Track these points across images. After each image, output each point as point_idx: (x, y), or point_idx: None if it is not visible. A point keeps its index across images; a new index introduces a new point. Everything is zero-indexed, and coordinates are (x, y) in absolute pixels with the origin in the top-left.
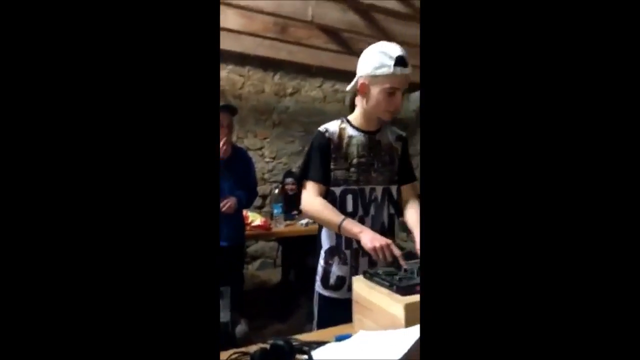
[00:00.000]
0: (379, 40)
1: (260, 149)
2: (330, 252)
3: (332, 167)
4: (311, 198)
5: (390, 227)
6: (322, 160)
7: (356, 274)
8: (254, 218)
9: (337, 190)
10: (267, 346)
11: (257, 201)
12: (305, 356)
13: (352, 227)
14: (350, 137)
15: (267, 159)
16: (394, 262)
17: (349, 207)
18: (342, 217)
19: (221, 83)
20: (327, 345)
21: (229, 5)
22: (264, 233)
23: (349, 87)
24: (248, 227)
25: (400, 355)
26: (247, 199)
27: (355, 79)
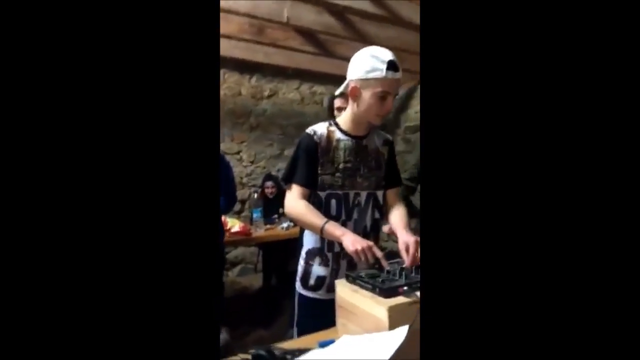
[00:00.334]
0: (354, 42)
1: (238, 152)
2: (312, 253)
3: (319, 171)
4: (295, 200)
5: (374, 231)
6: (309, 163)
7: (337, 276)
8: (233, 224)
9: (323, 195)
10: (249, 357)
11: (236, 206)
12: None
13: (334, 230)
14: (338, 140)
15: (245, 163)
16: (376, 264)
17: (333, 211)
18: (325, 220)
19: None
20: (311, 352)
21: None
22: (243, 239)
23: (338, 91)
24: (227, 234)
25: (387, 358)
26: (227, 205)
27: (345, 83)
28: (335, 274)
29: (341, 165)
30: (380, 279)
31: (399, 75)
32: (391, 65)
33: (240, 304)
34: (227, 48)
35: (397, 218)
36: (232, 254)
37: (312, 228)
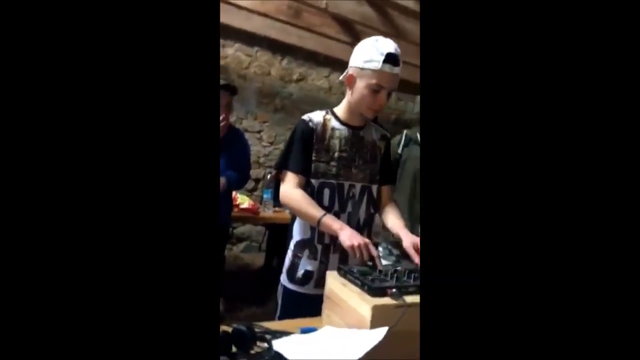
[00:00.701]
0: (391, 36)
1: (259, 132)
2: (301, 245)
3: (313, 158)
4: (290, 189)
5: (367, 225)
6: (304, 151)
7: (325, 270)
8: (243, 200)
9: (315, 183)
10: (230, 330)
11: (250, 184)
12: (266, 344)
13: (332, 223)
14: (334, 129)
15: (264, 143)
16: (372, 262)
17: (326, 201)
18: (323, 212)
19: (227, 61)
20: (291, 336)
21: None
22: (252, 217)
23: (341, 77)
24: (236, 209)
25: (359, 356)
26: (238, 180)
27: (347, 69)
28: (324, 269)
29: (336, 154)
30: (370, 278)
31: (397, 70)
32: (389, 59)
33: (240, 280)
34: (262, 26)
35: (394, 218)
36: (240, 229)
37: (309, 219)
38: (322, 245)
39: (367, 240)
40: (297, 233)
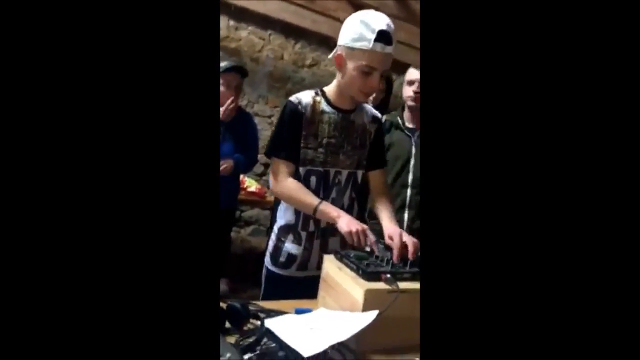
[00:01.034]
0: (408, 24)
1: (270, 117)
2: (285, 230)
3: (301, 144)
4: (283, 179)
5: (349, 211)
6: (293, 137)
7: (309, 255)
8: (250, 184)
9: (302, 170)
10: (224, 306)
11: (258, 168)
12: (259, 322)
13: (330, 210)
14: (323, 112)
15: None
16: (370, 248)
17: (311, 188)
18: (319, 200)
19: (240, 43)
20: (285, 316)
21: None
22: (260, 201)
23: (330, 56)
24: (243, 192)
25: (346, 337)
26: (245, 164)
27: (336, 48)
28: (307, 254)
29: (325, 140)
30: (366, 262)
31: (389, 49)
32: (381, 36)
33: (245, 262)
34: (275, 9)
35: (382, 207)
36: (248, 213)
37: (304, 207)
38: (307, 233)
39: (365, 226)
40: (281, 218)
